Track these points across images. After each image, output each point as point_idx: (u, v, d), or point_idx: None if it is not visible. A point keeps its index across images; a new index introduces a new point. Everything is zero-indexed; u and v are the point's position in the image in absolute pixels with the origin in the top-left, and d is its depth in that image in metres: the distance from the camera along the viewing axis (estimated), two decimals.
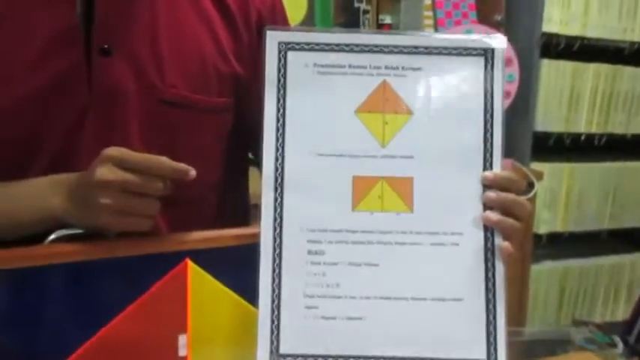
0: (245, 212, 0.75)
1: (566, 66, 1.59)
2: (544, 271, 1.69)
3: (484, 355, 0.48)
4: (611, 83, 1.65)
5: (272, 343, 0.46)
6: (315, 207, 0.49)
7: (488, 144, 0.51)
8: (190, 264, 0.49)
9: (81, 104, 0.57)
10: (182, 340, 0.49)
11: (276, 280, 0.47)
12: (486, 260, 0.49)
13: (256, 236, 0.50)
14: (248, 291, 0.50)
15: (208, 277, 0.50)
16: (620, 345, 1.59)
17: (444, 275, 0.49)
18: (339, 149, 0.50)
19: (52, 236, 0.51)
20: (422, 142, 0.51)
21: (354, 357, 0.46)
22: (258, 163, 0.72)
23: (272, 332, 0.46)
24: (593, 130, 1.66)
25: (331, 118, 0.51)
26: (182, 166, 0.51)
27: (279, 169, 0.49)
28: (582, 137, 1.65)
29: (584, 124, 1.64)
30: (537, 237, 1.69)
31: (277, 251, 0.48)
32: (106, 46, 0.57)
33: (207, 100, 0.64)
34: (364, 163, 0.50)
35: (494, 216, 0.50)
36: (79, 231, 0.51)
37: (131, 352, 0.48)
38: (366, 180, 0.50)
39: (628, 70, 1.67)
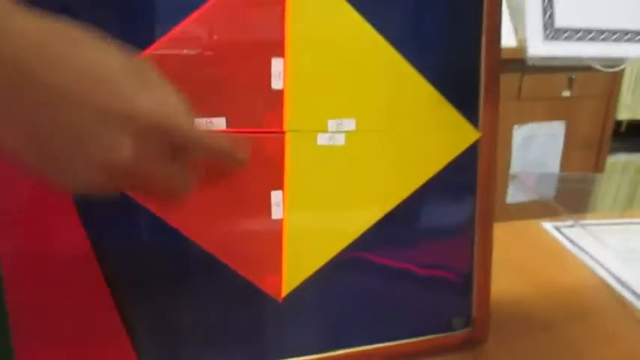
0: None
1: None
2: (618, 163, 1.54)
3: None
4: None
5: (544, 13, 0.43)
6: None
7: None
8: None
9: None
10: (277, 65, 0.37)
11: None
12: None
13: None
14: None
15: None
16: None
17: None
18: None
19: None
20: None
21: (619, 31, 0.46)
22: None
23: (543, 1, 0.44)
24: None
25: None
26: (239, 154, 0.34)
27: None
28: None
29: None
30: (617, 123, 1.53)
31: None
32: None
33: None
34: None
35: None
36: None
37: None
38: None
39: None
